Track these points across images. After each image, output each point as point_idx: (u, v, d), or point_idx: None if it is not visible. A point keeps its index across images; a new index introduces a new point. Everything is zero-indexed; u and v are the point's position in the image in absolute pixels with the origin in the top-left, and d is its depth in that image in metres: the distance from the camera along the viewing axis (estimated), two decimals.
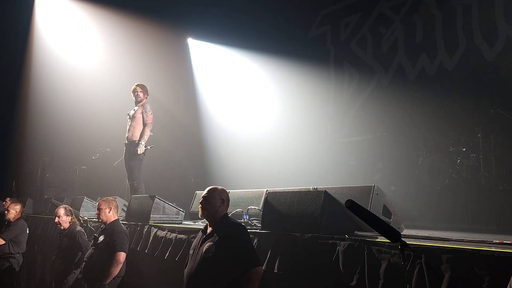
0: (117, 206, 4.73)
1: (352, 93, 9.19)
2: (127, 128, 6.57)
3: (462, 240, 2.67)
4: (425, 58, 7.89)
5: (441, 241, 2.61)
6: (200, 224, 4.52)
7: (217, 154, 9.81)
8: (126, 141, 6.51)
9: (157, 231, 4.51)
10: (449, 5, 7.66)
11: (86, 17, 10.30)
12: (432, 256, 2.21)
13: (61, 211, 5.30)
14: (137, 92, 6.58)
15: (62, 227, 5.29)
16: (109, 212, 4.53)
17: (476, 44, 7.19)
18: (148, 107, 6.53)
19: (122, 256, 4.31)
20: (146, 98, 6.64)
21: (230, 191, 3.39)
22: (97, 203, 4.60)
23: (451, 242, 2.57)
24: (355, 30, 9.36)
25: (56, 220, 5.29)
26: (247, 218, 4.16)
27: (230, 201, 3.38)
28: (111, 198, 4.73)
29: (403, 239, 1.96)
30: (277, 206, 3.35)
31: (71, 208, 5.49)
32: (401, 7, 8.48)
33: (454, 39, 7.49)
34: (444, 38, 7.68)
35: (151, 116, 6.48)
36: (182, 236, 4.05)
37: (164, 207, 5.05)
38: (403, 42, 8.37)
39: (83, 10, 10.27)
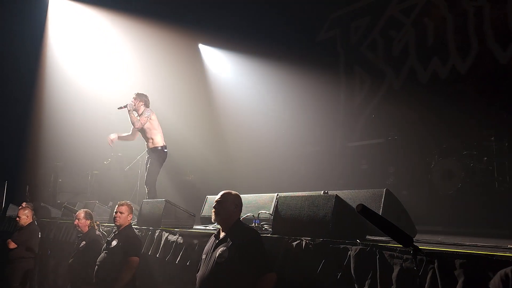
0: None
1: (364, 97, 9.15)
2: (144, 139, 6.62)
3: (475, 245, 2.63)
4: (437, 61, 7.83)
5: (454, 246, 2.58)
6: (211, 229, 4.53)
7: (227, 158, 9.83)
8: (147, 149, 6.57)
9: (168, 235, 4.53)
10: (460, 7, 7.60)
11: (97, 23, 10.44)
12: (445, 261, 2.18)
13: (81, 214, 5.36)
14: (131, 101, 6.47)
15: (80, 230, 5.34)
16: (128, 217, 4.57)
17: (488, 46, 7.11)
18: (145, 112, 6.37)
19: (135, 261, 4.33)
20: (142, 105, 6.45)
21: (240, 195, 3.39)
22: (118, 206, 4.60)
23: (464, 247, 2.54)
24: (365, 33, 9.33)
25: (75, 223, 5.35)
26: (258, 222, 4.16)
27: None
28: (129, 202, 4.77)
29: (415, 243, 1.94)
30: (287, 211, 3.34)
31: (91, 212, 5.54)
32: (412, 10, 8.44)
33: (466, 41, 7.43)
34: (456, 41, 7.62)
35: (145, 119, 6.30)
36: (193, 240, 4.06)
37: (175, 211, 5.06)
38: (415, 45, 8.32)
39: (93, 16, 10.42)
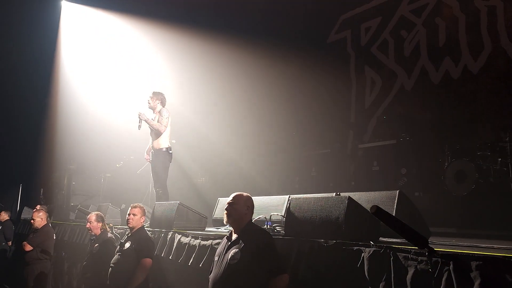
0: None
1: (375, 98, 9.10)
2: (151, 137, 6.63)
3: (492, 247, 2.60)
4: (449, 61, 7.76)
5: (470, 248, 2.55)
6: (223, 231, 4.54)
7: (239, 160, 9.84)
8: (152, 150, 6.57)
9: (180, 237, 4.55)
10: (473, 6, 7.52)
11: (107, 26, 10.57)
12: (461, 263, 2.16)
13: (93, 217, 5.42)
14: (148, 99, 6.55)
15: (93, 233, 5.40)
16: (141, 219, 4.62)
17: (502, 45, 7.03)
18: (164, 113, 6.41)
19: (148, 262, 4.37)
20: (158, 104, 6.51)
21: (252, 197, 3.40)
22: (131, 209, 4.65)
23: (480, 248, 2.51)
24: (375, 34, 9.29)
25: (87, 226, 5.42)
26: (270, 224, 4.16)
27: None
28: (141, 205, 4.82)
29: (430, 245, 1.92)
30: (300, 213, 3.34)
31: (102, 215, 5.60)
32: (423, 10, 8.38)
33: (478, 41, 7.35)
34: (468, 40, 7.54)
35: (167, 121, 6.37)
36: (205, 242, 4.08)
37: (187, 213, 5.09)
38: (426, 45, 8.25)
39: (104, 19, 10.55)
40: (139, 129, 6.43)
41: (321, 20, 10.13)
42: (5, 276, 8.58)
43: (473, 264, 2.11)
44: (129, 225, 4.62)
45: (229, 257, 3.02)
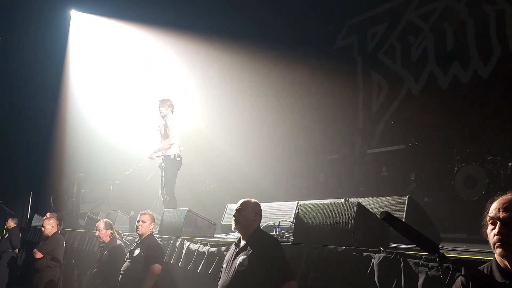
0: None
1: (382, 103, 9.07)
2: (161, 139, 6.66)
3: None
4: (457, 66, 7.72)
5: (481, 254, 2.52)
6: (232, 237, 4.54)
7: (247, 166, 9.85)
8: (162, 156, 6.60)
9: (189, 244, 4.56)
10: (481, 11, 7.49)
11: (116, 35, 10.69)
12: (472, 269, 2.14)
13: (101, 225, 5.44)
14: (159, 107, 6.56)
15: (102, 241, 5.42)
16: (150, 226, 4.64)
17: (511, 50, 6.98)
18: (171, 124, 6.43)
19: (157, 268, 4.38)
20: (170, 111, 6.52)
21: (261, 203, 3.40)
22: (140, 215, 4.67)
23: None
24: (382, 39, 9.28)
25: (96, 234, 5.44)
26: (279, 230, 4.15)
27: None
28: (151, 212, 4.84)
29: (440, 251, 1.90)
30: (309, 219, 3.33)
31: (110, 222, 5.62)
32: (430, 15, 8.36)
33: (487, 45, 7.30)
34: (477, 45, 7.50)
35: (174, 132, 6.38)
36: (214, 249, 4.08)
37: (196, 220, 5.10)
38: (434, 50, 8.22)
39: (113, 28, 10.68)
40: (153, 158, 6.55)
41: (327, 26, 10.15)
42: (16, 283, 8.64)
43: None
44: (138, 232, 4.65)
45: (237, 264, 3.01)
